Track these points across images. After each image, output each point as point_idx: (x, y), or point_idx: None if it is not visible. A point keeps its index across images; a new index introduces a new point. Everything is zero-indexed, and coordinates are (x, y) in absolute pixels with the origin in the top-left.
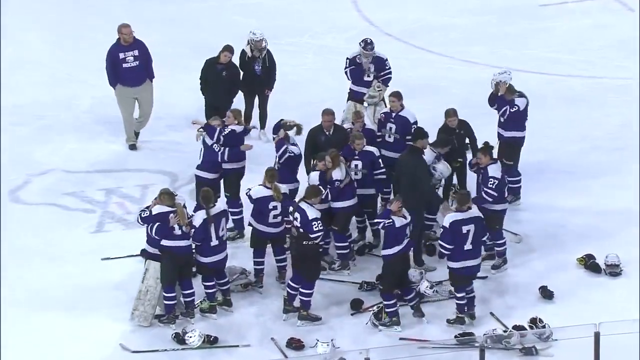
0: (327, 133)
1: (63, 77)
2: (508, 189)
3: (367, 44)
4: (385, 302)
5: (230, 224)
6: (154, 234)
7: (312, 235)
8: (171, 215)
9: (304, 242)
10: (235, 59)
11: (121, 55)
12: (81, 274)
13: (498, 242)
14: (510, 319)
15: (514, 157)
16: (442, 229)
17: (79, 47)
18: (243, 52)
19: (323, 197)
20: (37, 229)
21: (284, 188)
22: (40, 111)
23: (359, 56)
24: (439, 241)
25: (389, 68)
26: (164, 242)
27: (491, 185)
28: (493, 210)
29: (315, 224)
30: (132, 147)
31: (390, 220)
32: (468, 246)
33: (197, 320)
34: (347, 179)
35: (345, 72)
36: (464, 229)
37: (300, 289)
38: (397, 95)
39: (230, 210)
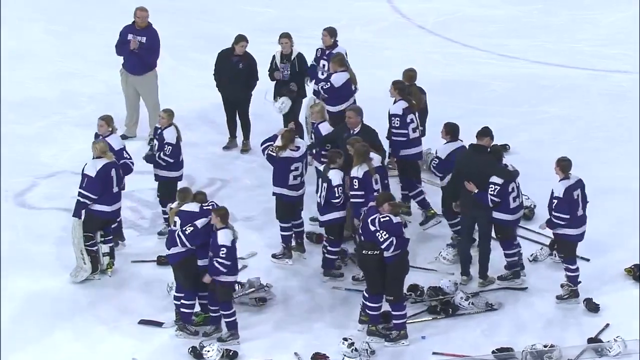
0: (352, 131)
1: (70, 72)
2: None
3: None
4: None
5: None
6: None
7: (382, 246)
8: None
9: (364, 252)
10: (259, 56)
11: (129, 37)
12: (88, 285)
13: (508, 251)
14: (550, 334)
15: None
16: (555, 200)
17: (86, 39)
18: (273, 58)
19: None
20: (45, 235)
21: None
22: (45, 108)
23: None
24: (554, 213)
25: None
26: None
27: (492, 192)
28: (496, 219)
29: (379, 234)
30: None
31: None
32: (580, 211)
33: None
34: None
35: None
36: (575, 194)
37: (366, 302)
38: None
39: None
